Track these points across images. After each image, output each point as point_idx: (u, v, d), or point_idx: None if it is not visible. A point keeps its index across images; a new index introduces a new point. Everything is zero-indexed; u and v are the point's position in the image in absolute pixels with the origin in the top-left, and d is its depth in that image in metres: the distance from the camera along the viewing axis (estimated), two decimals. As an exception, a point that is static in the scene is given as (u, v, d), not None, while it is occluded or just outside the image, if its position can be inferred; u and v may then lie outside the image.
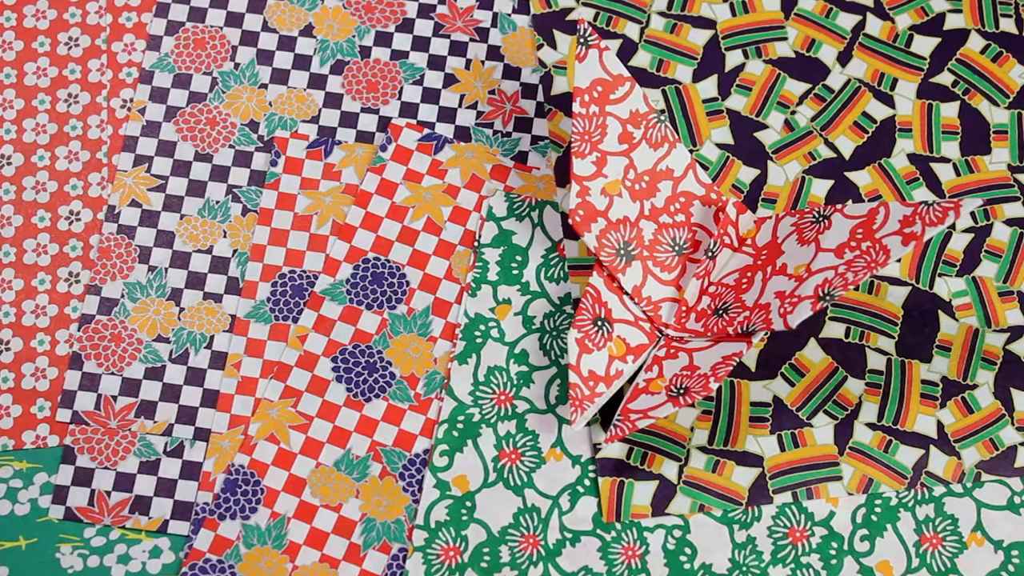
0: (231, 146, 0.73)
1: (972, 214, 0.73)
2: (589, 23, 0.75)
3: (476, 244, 0.71)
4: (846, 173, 0.73)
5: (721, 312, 0.67)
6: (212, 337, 0.70)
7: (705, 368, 0.64)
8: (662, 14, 0.76)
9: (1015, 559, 0.68)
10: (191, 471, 0.68)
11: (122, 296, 0.71)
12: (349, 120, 0.74)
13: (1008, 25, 0.76)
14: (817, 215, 0.67)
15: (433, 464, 0.68)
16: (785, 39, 0.76)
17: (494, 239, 0.71)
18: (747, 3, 0.76)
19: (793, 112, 0.74)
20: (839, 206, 0.66)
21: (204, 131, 0.73)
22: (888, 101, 0.75)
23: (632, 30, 0.75)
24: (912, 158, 0.74)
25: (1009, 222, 0.73)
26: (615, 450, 0.68)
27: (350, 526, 0.67)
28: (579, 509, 0.68)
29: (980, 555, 0.68)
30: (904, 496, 0.68)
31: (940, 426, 0.69)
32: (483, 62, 0.75)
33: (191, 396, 0.69)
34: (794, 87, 0.75)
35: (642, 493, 0.68)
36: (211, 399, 0.69)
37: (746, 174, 0.73)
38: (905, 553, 0.68)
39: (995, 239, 0.72)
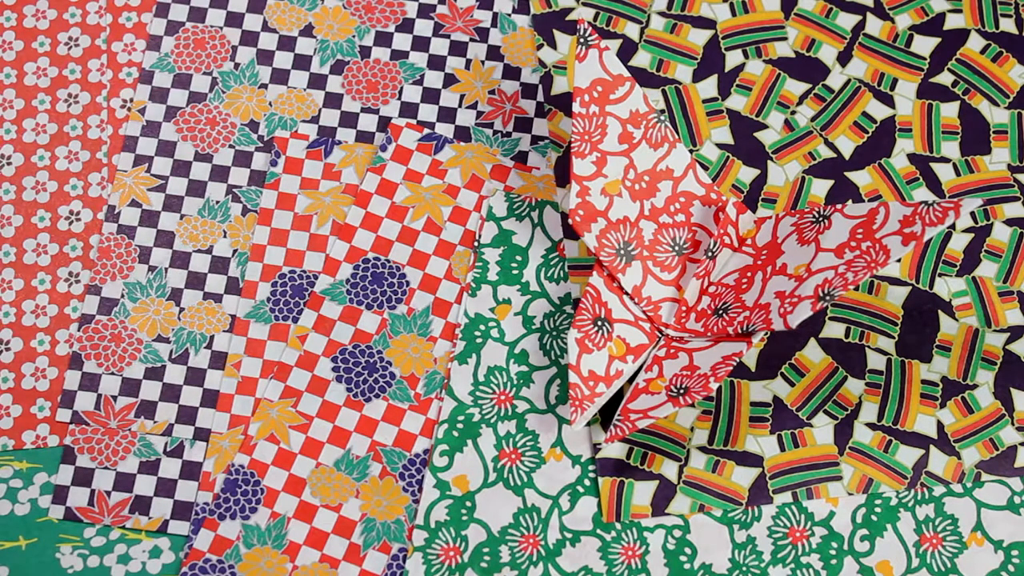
0: (231, 146, 0.73)
1: (972, 214, 0.73)
2: (589, 23, 0.75)
3: (476, 244, 0.71)
4: (846, 173, 0.73)
5: (721, 312, 0.67)
6: (212, 337, 0.70)
7: (705, 368, 0.64)
8: (662, 14, 0.76)
9: (1015, 559, 0.68)
10: (191, 471, 0.68)
11: (122, 296, 0.71)
12: (349, 120, 0.74)
13: (1008, 25, 0.76)
14: (817, 215, 0.67)
15: (433, 464, 0.68)
16: (785, 39, 0.76)
17: (494, 239, 0.71)
18: (747, 3, 0.76)
19: (793, 112, 0.74)
20: (839, 206, 0.66)
21: (204, 131, 0.73)
22: (888, 101, 0.75)
23: (632, 30, 0.75)
24: (912, 158, 0.74)
25: (1009, 222, 0.73)
26: (615, 450, 0.68)
27: (350, 526, 0.67)
28: (579, 509, 0.68)
29: (980, 555, 0.68)
30: (904, 496, 0.68)
31: (940, 426, 0.69)
32: (483, 62, 0.75)
33: (191, 396, 0.69)
34: (794, 87, 0.75)
35: (642, 493, 0.68)
36: (211, 399, 0.69)
37: (746, 174, 0.73)
38: (905, 553, 0.68)
39: (995, 239, 0.72)
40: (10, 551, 0.67)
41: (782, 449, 0.69)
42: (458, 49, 0.75)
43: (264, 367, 0.69)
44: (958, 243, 0.72)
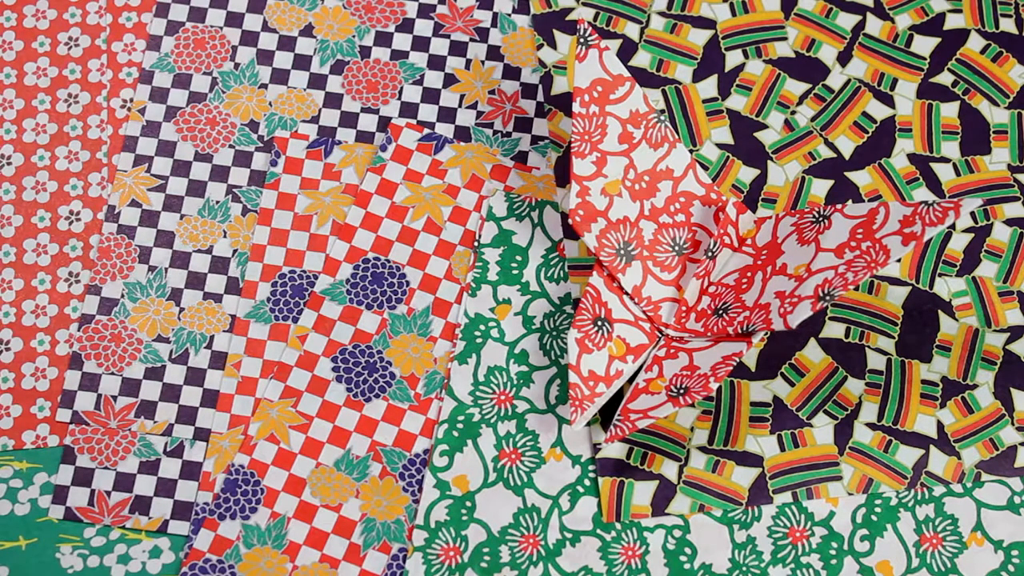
0: (231, 146, 0.73)
1: (972, 214, 0.73)
2: (589, 23, 0.75)
3: (476, 244, 0.71)
4: (846, 173, 0.73)
5: (721, 312, 0.67)
6: (212, 337, 0.70)
7: (705, 368, 0.64)
8: (662, 14, 0.76)
9: (1015, 559, 0.68)
10: (191, 471, 0.68)
11: (122, 296, 0.71)
12: (349, 120, 0.74)
13: (1008, 25, 0.76)
14: (817, 215, 0.67)
15: (433, 464, 0.68)
16: (785, 39, 0.76)
17: (494, 239, 0.71)
18: (747, 3, 0.76)
19: (793, 112, 0.74)
20: (839, 206, 0.66)
21: (204, 131, 0.73)
22: (888, 101, 0.75)
23: (632, 30, 0.75)
24: (912, 158, 0.74)
25: (1009, 222, 0.73)
26: (615, 450, 0.68)
27: (350, 526, 0.67)
28: (579, 509, 0.68)
29: (980, 555, 0.68)
30: (904, 496, 0.68)
31: (940, 426, 0.69)
32: (483, 62, 0.75)
33: (191, 396, 0.69)
34: (794, 87, 0.75)
35: (642, 493, 0.68)
36: (211, 399, 0.69)
37: (746, 174, 0.73)
38: (905, 553, 0.68)
39: (995, 239, 0.72)
40: (10, 551, 0.67)
41: (782, 449, 0.69)
42: (458, 49, 0.75)
43: (264, 367, 0.69)
44: (958, 243, 0.72)
